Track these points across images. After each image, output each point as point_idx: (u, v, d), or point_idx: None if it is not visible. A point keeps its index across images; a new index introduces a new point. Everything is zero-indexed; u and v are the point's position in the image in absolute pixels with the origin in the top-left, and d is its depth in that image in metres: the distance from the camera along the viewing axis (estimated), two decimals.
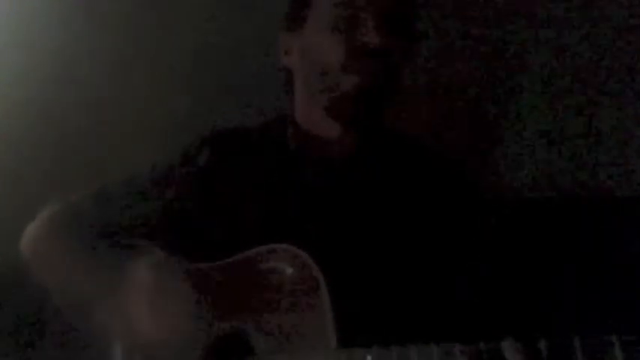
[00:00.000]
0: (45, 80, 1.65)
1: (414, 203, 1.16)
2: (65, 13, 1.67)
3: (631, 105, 1.63)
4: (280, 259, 1.04)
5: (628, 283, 1.44)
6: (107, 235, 1.20)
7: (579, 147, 1.64)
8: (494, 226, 1.20)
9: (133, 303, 1.07)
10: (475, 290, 1.11)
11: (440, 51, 1.65)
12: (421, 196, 1.17)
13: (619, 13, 1.67)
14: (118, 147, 1.62)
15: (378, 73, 1.11)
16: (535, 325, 0.97)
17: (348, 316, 0.99)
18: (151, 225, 1.20)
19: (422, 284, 1.08)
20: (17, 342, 1.52)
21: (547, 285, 1.45)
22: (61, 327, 1.20)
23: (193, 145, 1.25)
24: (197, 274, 1.12)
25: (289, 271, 1.03)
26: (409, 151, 1.23)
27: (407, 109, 1.23)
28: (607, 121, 1.64)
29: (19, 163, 1.63)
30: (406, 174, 1.19)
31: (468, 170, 1.28)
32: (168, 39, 1.69)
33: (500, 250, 1.18)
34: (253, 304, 1.06)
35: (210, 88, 1.67)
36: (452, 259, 1.12)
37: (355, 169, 1.18)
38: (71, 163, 1.63)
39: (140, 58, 1.69)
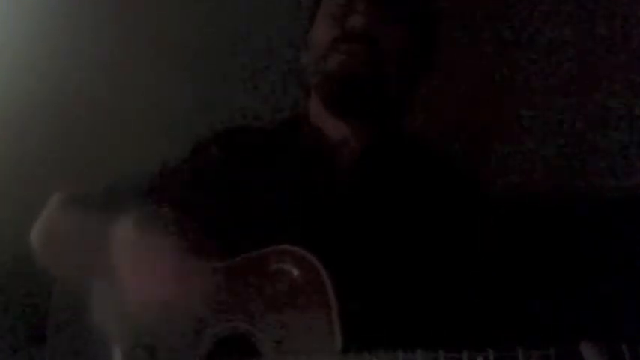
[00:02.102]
0: (45, 80, 1.64)
1: (423, 207, 1.16)
2: (65, 13, 1.66)
3: (632, 104, 1.63)
4: (287, 261, 1.04)
5: (630, 285, 1.44)
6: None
7: (582, 147, 1.64)
8: (502, 230, 1.21)
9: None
10: (482, 294, 1.12)
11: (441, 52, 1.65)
12: (430, 200, 1.17)
13: (620, 11, 1.67)
14: (119, 146, 1.62)
15: (366, 57, 1.12)
16: (544, 331, 0.97)
17: (354, 319, 0.99)
18: None
19: (429, 288, 1.08)
20: (17, 342, 1.52)
21: (554, 289, 1.45)
22: (59, 330, 1.20)
23: (203, 142, 1.25)
24: (203, 272, 1.12)
25: (296, 272, 1.03)
26: (417, 154, 1.24)
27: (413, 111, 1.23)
28: (608, 120, 1.65)
29: (19, 163, 1.62)
30: (415, 176, 1.19)
31: (476, 173, 1.28)
32: (171, 37, 1.69)
33: (509, 254, 1.19)
34: (259, 304, 1.05)
35: (213, 87, 1.67)
36: (459, 263, 1.12)
37: (364, 172, 1.18)
38: (71, 162, 1.62)
39: (141, 57, 1.68)
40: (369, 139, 1.19)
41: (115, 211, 1.18)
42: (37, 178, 1.59)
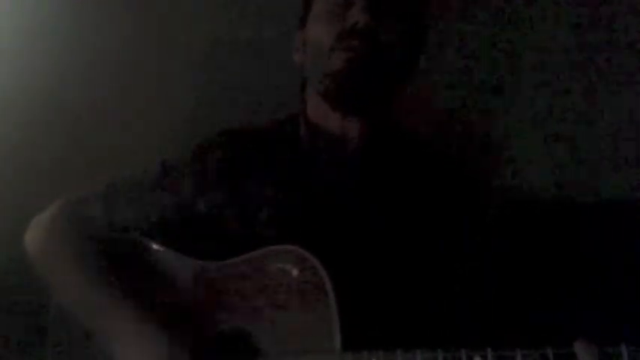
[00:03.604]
0: (46, 80, 1.64)
1: (424, 204, 1.16)
2: (67, 12, 1.66)
3: (632, 104, 1.63)
4: (287, 261, 1.05)
5: (630, 286, 1.43)
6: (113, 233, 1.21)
7: (581, 147, 1.64)
8: (502, 229, 1.21)
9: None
10: (481, 294, 1.12)
11: (441, 49, 1.65)
12: (431, 197, 1.17)
13: (618, 12, 1.67)
14: (120, 147, 1.62)
15: (368, 52, 1.12)
16: (542, 332, 0.97)
17: (353, 319, 0.99)
18: (160, 223, 1.20)
19: (429, 288, 1.09)
20: (17, 346, 1.52)
21: (553, 290, 1.45)
22: (61, 331, 1.20)
23: (205, 143, 1.25)
24: (204, 272, 1.13)
25: (296, 272, 1.04)
26: (418, 149, 1.24)
27: (413, 107, 1.23)
28: (608, 120, 1.65)
29: (19, 164, 1.62)
30: (416, 172, 1.20)
31: (476, 171, 1.29)
32: (172, 38, 1.69)
33: (508, 254, 1.19)
34: (259, 304, 1.06)
35: (216, 87, 1.67)
36: (459, 262, 1.13)
37: (364, 168, 1.18)
38: (72, 163, 1.62)
39: (142, 57, 1.68)
40: (369, 134, 1.19)
41: (113, 221, 1.21)
42: (37, 178, 1.59)
